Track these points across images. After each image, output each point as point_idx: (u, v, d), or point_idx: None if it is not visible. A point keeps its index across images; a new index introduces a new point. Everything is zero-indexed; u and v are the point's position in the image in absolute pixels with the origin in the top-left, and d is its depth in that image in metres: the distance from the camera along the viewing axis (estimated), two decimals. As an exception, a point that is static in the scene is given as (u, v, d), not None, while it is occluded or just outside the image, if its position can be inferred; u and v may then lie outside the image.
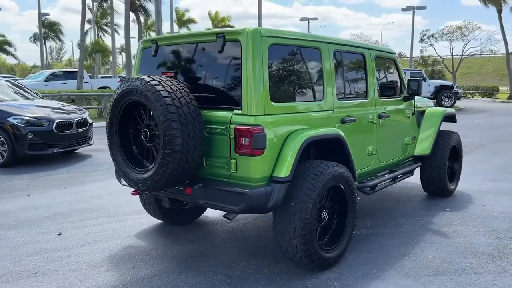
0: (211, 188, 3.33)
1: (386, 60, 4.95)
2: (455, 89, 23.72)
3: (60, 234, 4.46)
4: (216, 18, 61.32)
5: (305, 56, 3.69)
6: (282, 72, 3.52)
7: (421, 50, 45.78)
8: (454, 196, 5.87)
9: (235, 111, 3.26)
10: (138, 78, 3.32)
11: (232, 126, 3.23)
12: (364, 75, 4.40)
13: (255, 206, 3.17)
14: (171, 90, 3.19)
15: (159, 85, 3.20)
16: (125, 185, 3.93)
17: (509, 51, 38.15)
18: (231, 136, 3.25)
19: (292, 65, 3.61)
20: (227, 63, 3.41)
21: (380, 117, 4.53)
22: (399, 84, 5.12)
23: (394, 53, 5.15)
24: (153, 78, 3.26)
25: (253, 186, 3.21)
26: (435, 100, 23.44)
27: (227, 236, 4.42)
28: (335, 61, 3.93)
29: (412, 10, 40.36)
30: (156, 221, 4.82)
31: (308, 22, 46.48)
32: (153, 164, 3.33)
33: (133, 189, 3.97)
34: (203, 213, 4.94)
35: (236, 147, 3.22)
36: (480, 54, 49.37)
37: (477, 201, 5.64)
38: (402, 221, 4.85)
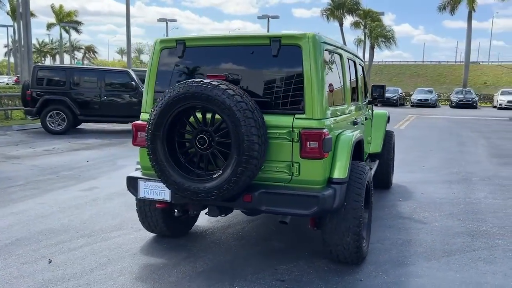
0: (275, 194, 3.27)
1: (360, 67, 5.43)
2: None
3: (50, 262, 3.79)
4: (61, 12, 56.30)
5: (343, 62, 3.92)
6: (331, 76, 3.65)
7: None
8: (394, 188, 6.67)
9: (296, 115, 3.28)
10: (198, 81, 3.09)
11: (297, 130, 3.24)
12: (356, 81, 4.78)
13: (325, 208, 3.24)
14: (241, 94, 3.07)
15: (229, 89, 3.04)
16: (144, 198, 3.60)
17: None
18: (295, 140, 3.26)
19: (337, 70, 3.77)
20: (282, 68, 3.39)
21: (365, 118, 4.98)
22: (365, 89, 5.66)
23: (362, 60, 5.67)
24: (218, 82, 3.08)
25: (317, 188, 3.28)
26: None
27: (238, 243, 4.31)
28: (355, 68, 4.21)
29: (267, 18, 43.45)
30: (147, 235, 4.43)
31: (167, 23, 46.20)
32: (221, 172, 3.14)
33: (159, 202, 3.68)
34: (195, 222, 4.72)
35: (302, 151, 3.24)
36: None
37: (415, 191, 6.53)
38: (377, 213, 5.36)
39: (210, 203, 3.47)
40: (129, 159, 8.61)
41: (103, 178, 7.07)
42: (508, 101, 30.16)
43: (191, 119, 3.29)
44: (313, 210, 3.19)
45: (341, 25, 42.12)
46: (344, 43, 41.66)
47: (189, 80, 3.15)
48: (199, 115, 3.27)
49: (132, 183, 3.72)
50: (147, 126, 3.29)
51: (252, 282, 3.45)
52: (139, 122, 3.75)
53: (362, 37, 42.38)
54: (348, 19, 42.49)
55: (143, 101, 3.77)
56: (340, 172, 3.37)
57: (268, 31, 44.92)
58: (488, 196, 6.29)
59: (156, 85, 3.71)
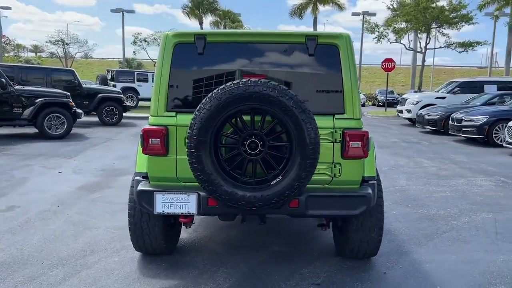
0: (322, 197, 3.18)
1: None
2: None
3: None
4: None
5: None
6: None
7: (134, 52, 46.95)
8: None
9: (336, 116, 3.24)
10: (255, 82, 2.82)
11: (339, 131, 3.21)
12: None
13: (370, 207, 3.28)
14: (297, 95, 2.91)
15: (289, 90, 2.86)
16: (162, 213, 3.17)
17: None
18: (337, 141, 3.22)
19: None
20: (319, 67, 3.30)
21: None
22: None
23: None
24: (276, 82, 2.87)
25: (356, 188, 3.30)
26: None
27: (239, 252, 4.05)
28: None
29: (122, 12, 41.52)
30: (133, 255, 3.89)
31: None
32: (280, 178, 2.92)
33: (184, 216, 3.26)
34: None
35: (344, 151, 3.22)
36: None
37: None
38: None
39: (265, 212, 3.20)
40: (27, 169, 7.42)
41: (13, 195, 5.91)
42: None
43: (234, 122, 3.00)
44: (361, 210, 3.20)
45: (201, 23, 42.35)
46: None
47: (244, 80, 2.85)
48: (246, 117, 2.99)
49: (145, 198, 3.21)
50: (190, 131, 2.88)
51: (291, 290, 3.31)
52: (150, 127, 3.25)
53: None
54: (209, 18, 43.02)
55: (154, 103, 3.28)
56: (371, 170, 3.44)
57: (123, 26, 43.04)
58: (409, 183, 7.09)
59: (170, 85, 3.26)
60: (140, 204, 3.25)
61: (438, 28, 26.22)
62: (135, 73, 24.98)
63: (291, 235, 4.52)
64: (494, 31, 36.39)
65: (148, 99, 24.49)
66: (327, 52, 3.25)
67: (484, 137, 11.78)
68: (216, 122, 2.85)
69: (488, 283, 3.48)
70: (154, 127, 3.24)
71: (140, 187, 3.26)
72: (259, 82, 2.82)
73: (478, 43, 25.54)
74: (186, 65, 3.30)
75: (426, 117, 15.17)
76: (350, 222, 3.59)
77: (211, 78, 3.32)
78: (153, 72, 21.26)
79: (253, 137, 2.95)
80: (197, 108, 2.88)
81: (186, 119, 3.21)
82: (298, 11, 41.56)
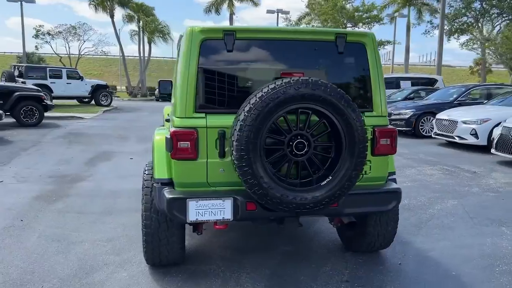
0: (358, 195, 3.18)
1: None
2: (109, 89, 24.70)
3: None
4: None
5: None
6: None
7: (36, 46, 43.28)
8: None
9: (366, 114, 3.26)
10: (305, 80, 2.73)
11: (370, 128, 3.23)
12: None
13: (400, 201, 3.36)
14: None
15: (339, 89, 2.82)
16: (196, 222, 2.99)
17: (125, 54, 42.40)
18: (368, 139, 3.25)
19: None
20: (347, 65, 3.29)
21: None
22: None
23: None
24: (326, 81, 2.82)
25: (383, 184, 3.37)
26: (93, 99, 23.65)
27: (251, 256, 3.92)
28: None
29: (20, 1, 38.04)
30: (142, 269, 3.59)
31: None
32: (330, 178, 2.87)
33: (220, 223, 3.08)
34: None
35: (375, 148, 3.26)
36: (94, 55, 51.72)
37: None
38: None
39: (313, 213, 3.11)
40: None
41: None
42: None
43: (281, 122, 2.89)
44: (393, 205, 3.27)
45: (112, 16, 40.22)
46: (118, 36, 40.18)
47: (295, 79, 2.75)
48: (291, 117, 2.89)
49: (177, 206, 2.97)
50: (239, 133, 2.71)
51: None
52: (179, 130, 3.01)
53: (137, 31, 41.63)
54: (120, 11, 41.05)
55: (181, 103, 3.03)
56: (393, 166, 3.53)
57: (22, 17, 39.29)
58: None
59: (198, 85, 3.04)
60: (171, 213, 3.00)
61: (352, 27, 27.76)
62: (47, 69, 22.96)
63: (290, 234, 4.48)
64: (395, 31, 39.27)
65: (64, 97, 22.81)
66: (355, 50, 3.26)
67: (412, 129, 12.75)
68: (267, 123, 2.72)
69: (491, 265, 3.77)
70: (184, 129, 3.00)
71: (170, 195, 3.00)
72: (310, 80, 2.74)
73: (388, 42, 27.51)
74: (215, 63, 3.10)
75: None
76: (369, 217, 3.66)
77: (242, 77, 3.17)
78: (68, 68, 20.10)
79: (299, 137, 2.87)
80: (247, 109, 2.72)
81: (216, 120, 3.05)
82: (214, 7, 41.36)
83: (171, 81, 5.27)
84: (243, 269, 3.62)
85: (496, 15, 26.04)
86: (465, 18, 26.28)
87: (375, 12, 26.95)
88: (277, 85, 2.72)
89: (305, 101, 2.75)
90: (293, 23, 28.86)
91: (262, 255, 3.93)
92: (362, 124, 2.86)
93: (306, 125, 2.89)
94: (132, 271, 3.58)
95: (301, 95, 2.72)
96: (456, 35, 26.83)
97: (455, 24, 26.21)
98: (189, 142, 3.00)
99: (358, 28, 27.55)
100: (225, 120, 3.03)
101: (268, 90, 2.72)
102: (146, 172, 3.51)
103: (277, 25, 36.91)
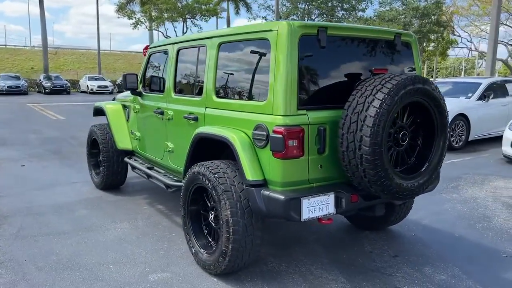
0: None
1: None
2: None
3: None
4: None
5: None
6: None
7: None
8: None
9: None
10: (418, 76, 3.00)
11: None
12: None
13: None
14: None
15: (433, 84, 3.16)
16: (308, 219, 3.02)
17: None
18: None
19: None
20: (401, 62, 3.61)
21: None
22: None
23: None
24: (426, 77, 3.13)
25: None
26: None
27: (300, 245, 4.01)
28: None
29: None
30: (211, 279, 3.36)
31: None
32: (427, 164, 3.19)
33: (326, 218, 3.13)
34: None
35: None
36: None
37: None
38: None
39: (413, 197, 3.33)
40: None
41: None
42: (99, 86, 32.16)
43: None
44: (437, 184, 3.77)
45: None
46: None
47: (412, 76, 2.97)
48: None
49: (293, 206, 2.91)
50: (372, 128, 2.80)
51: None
52: (288, 128, 2.92)
53: None
54: None
55: (283, 100, 2.94)
56: None
57: None
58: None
59: (299, 81, 3.00)
60: (288, 213, 2.92)
61: (192, 19, 28.00)
62: None
63: (288, 233, 4.64)
64: (217, 25, 40.34)
65: None
66: (405, 48, 3.64)
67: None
68: (391, 116, 2.89)
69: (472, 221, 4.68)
70: (292, 127, 2.93)
71: (283, 196, 2.92)
72: (421, 77, 3.02)
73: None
74: (311, 59, 3.09)
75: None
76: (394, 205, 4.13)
77: (335, 73, 3.24)
78: None
79: (403, 129, 3.12)
80: (377, 104, 2.83)
81: (317, 116, 3.08)
82: None
83: (136, 74, 4.91)
84: (303, 262, 3.69)
85: (317, 15, 29.83)
86: (294, 17, 29.33)
87: (211, 5, 27.75)
88: (399, 81, 2.91)
89: (417, 95, 3.01)
90: (128, 10, 27.43)
91: (302, 247, 4.03)
92: (447, 112, 3.26)
93: (409, 117, 3.16)
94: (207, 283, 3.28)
95: (416, 90, 2.97)
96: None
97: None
98: (296, 140, 2.95)
99: (196, 20, 28.02)
100: (324, 116, 3.08)
101: (392, 85, 2.88)
102: (217, 175, 3.25)
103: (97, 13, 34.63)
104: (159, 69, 4.84)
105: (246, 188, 3.10)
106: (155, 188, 5.97)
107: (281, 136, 2.90)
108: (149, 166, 4.87)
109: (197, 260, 3.55)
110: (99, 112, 6.20)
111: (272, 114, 3.01)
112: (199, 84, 3.90)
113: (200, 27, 29.30)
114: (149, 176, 4.76)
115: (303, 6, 27.72)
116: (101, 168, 5.69)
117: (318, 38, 3.08)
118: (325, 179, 3.17)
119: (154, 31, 28.98)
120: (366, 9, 30.13)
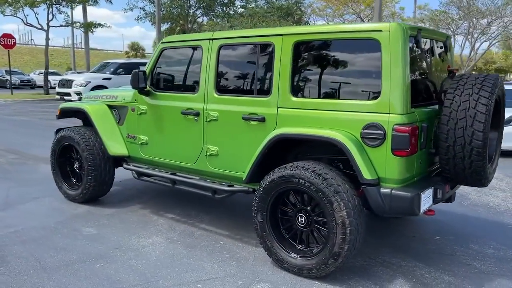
0: None
1: None
2: None
3: None
4: None
5: None
6: None
7: None
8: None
9: None
10: (496, 76, 3.34)
11: None
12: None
13: None
14: None
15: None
16: (421, 213, 3.23)
17: None
18: None
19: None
20: (448, 62, 3.96)
21: None
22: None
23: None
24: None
25: None
26: None
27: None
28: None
29: None
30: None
31: None
32: (495, 152, 3.58)
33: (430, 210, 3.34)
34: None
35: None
36: None
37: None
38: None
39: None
40: None
41: None
42: None
43: None
44: None
45: None
46: None
47: (496, 76, 3.29)
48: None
49: (416, 201, 3.05)
50: (485, 124, 3.05)
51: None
52: (411, 126, 3.03)
53: None
54: None
55: (400, 99, 3.03)
56: None
57: None
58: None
59: (410, 80, 3.13)
60: (412, 209, 3.05)
61: (57, 5, 25.12)
62: None
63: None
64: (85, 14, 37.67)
65: None
66: (446, 48, 4.01)
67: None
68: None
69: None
70: (413, 125, 3.06)
71: (409, 192, 3.05)
72: (499, 77, 3.40)
73: (99, 24, 26.42)
74: (413, 59, 3.23)
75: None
76: None
77: (428, 72, 3.44)
78: None
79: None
80: (484, 102, 3.09)
81: (422, 114, 3.28)
82: None
83: (143, 71, 4.45)
84: (373, 254, 3.85)
85: (196, 8, 29.52)
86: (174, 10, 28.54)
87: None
88: (494, 80, 3.22)
89: (499, 92, 3.38)
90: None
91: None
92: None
93: None
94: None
95: (501, 88, 3.34)
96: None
97: (164, 11, 28.03)
98: (414, 137, 3.09)
99: (62, 7, 25.27)
100: (424, 113, 3.30)
101: (491, 84, 3.17)
102: (321, 177, 3.18)
103: None
104: (181, 67, 4.43)
105: (364, 188, 3.13)
106: (140, 194, 5.53)
107: (407, 134, 3.00)
108: (171, 172, 4.44)
109: (287, 266, 3.43)
110: (66, 114, 5.39)
111: (389, 113, 3.07)
112: (263, 83, 3.71)
113: (67, 15, 26.53)
114: (175, 182, 4.35)
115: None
116: (86, 178, 4.92)
117: (417, 39, 3.24)
118: (419, 173, 3.36)
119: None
120: (247, 6, 30.69)
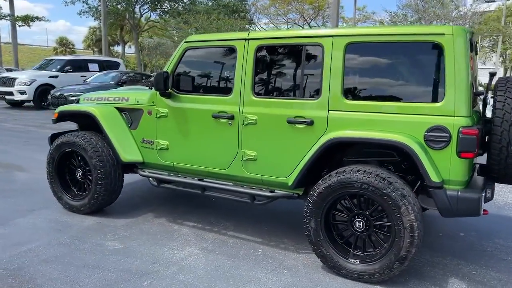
0: None
1: None
2: None
3: None
4: None
5: None
6: None
7: None
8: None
9: None
10: None
11: None
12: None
13: None
14: None
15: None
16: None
17: None
18: None
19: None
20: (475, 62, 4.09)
21: None
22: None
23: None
24: None
25: None
26: None
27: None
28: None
29: None
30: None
31: None
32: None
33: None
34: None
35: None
36: None
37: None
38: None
39: None
40: None
41: None
42: None
43: None
44: None
45: None
46: None
47: None
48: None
49: (481, 201, 3.14)
50: None
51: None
52: (476, 128, 3.10)
53: None
54: None
55: (468, 102, 3.09)
56: None
57: None
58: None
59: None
60: (478, 209, 3.13)
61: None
62: None
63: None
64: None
65: None
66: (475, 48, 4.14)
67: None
68: None
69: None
70: (478, 128, 3.13)
71: (476, 194, 3.12)
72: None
73: (37, 18, 24.63)
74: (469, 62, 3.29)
75: (71, 98, 14.43)
76: None
77: (474, 75, 3.50)
78: None
79: None
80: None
81: (476, 116, 3.34)
82: None
83: (166, 72, 4.19)
84: (419, 253, 3.89)
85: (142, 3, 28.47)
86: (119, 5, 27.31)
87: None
88: None
89: None
90: None
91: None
92: None
93: None
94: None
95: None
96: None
97: (110, 6, 26.68)
98: (478, 140, 3.15)
99: None
100: (476, 115, 3.38)
101: None
102: (386, 181, 3.16)
103: None
104: (210, 68, 4.20)
105: (432, 190, 3.14)
106: (143, 201, 5.26)
107: (474, 136, 3.05)
108: (199, 178, 4.21)
109: (344, 272, 3.37)
110: (65, 117, 4.95)
111: (454, 116, 3.11)
112: (310, 85, 3.61)
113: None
114: (204, 189, 4.14)
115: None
116: (96, 187, 4.51)
117: (471, 42, 3.31)
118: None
119: None
120: (195, 2, 29.99)
